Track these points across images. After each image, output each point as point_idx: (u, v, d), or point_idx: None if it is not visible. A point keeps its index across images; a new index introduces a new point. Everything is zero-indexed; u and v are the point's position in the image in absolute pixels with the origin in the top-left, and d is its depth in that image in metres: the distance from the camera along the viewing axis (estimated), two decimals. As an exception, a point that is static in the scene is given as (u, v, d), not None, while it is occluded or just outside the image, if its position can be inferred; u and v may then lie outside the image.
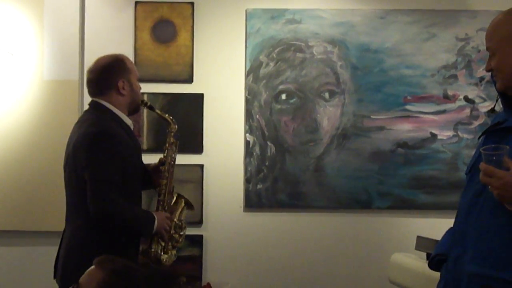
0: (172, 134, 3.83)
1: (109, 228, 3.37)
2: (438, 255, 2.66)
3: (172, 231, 3.66)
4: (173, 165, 3.79)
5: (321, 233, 4.80)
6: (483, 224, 2.41)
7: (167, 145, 3.81)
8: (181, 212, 3.79)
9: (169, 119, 3.83)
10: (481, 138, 2.61)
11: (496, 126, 2.53)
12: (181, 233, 3.75)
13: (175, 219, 3.71)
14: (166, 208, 3.71)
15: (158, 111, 3.85)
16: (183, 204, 3.82)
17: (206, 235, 4.79)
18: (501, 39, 2.46)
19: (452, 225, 2.67)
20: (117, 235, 3.41)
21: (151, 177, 3.78)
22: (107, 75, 3.54)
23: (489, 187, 2.31)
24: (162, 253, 3.61)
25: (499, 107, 2.73)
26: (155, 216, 3.53)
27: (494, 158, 2.29)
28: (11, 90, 4.73)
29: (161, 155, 3.84)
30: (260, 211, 4.80)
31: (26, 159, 4.72)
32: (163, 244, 3.62)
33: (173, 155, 3.80)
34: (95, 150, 3.36)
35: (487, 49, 2.52)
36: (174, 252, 3.69)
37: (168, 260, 3.64)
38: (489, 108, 2.74)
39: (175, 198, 3.81)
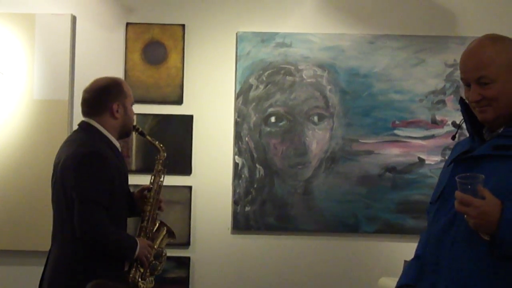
0: (161, 161, 3.85)
1: (92, 248, 3.37)
2: (404, 286, 2.61)
3: (152, 259, 3.64)
4: (158, 192, 3.79)
5: (309, 256, 4.79)
6: (458, 254, 2.37)
7: (154, 172, 3.82)
8: (162, 240, 3.78)
9: (159, 147, 3.85)
10: (450, 166, 2.56)
11: (465, 154, 2.50)
12: (161, 261, 3.72)
13: (155, 247, 3.70)
14: (148, 235, 3.70)
15: (149, 138, 3.86)
16: (164, 232, 3.81)
17: (194, 257, 4.78)
18: (501, 67, 2.42)
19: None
20: (103, 255, 3.41)
21: (136, 203, 3.77)
22: (102, 97, 3.56)
23: (465, 216, 2.29)
24: (140, 279, 3.58)
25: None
26: (138, 242, 3.52)
27: (469, 187, 2.26)
28: (0, 108, 4.73)
29: (149, 176, 3.86)
30: (248, 233, 4.79)
31: (14, 177, 4.70)
32: (142, 270, 3.60)
33: (160, 182, 3.81)
34: (84, 170, 3.36)
35: (481, 78, 2.42)
36: (152, 279, 3.67)
37: (146, 286, 3.62)
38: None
39: (157, 225, 3.79)
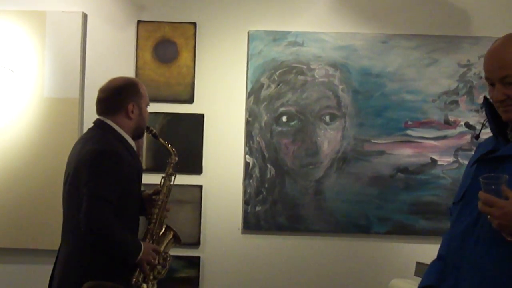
0: (172, 165, 3.82)
1: (95, 245, 3.34)
2: (426, 287, 2.60)
3: (156, 263, 3.60)
4: (167, 196, 3.77)
5: (319, 257, 4.77)
6: (480, 255, 2.36)
7: (165, 175, 3.80)
8: (167, 244, 3.76)
9: (171, 150, 3.84)
10: (473, 166, 2.56)
11: (488, 155, 2.49)
12: (165, 265, 3.69)
13: (160, 251, 3.67)
14: (154, 238, 3.67)
15: (161, 140, 3.84)
16: (171, 236, 3.78)
17: (204, 257, 4.76)
18: None
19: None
20: (114, 254, 3.39)
21: (144, 204, 3.75)
22: (118, 96, 3.55)
23: (489, 216, 2.28)
24: (143, 282, 3.55)
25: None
26: (142, 246, 3.49)
27: (493, 187, 2.26)
28: (11, 106, 4.72)
29: (159, 175, 3.83)
30: (259, 233, 4.77)
31: (24, 176, 4.69)
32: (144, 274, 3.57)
33: (169, 186, 3.78)
34: (97, 167, 3.35)
35: (505, 77, 2.41)
36: (155, 282, 3.64)
37: None
38: (489, 134, 2.69)
39: (164, 229, 3.77)
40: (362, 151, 4.75)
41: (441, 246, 2.66)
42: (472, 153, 4.64)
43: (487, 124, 2.59)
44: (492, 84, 2.46)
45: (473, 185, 2.40)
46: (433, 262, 2.65)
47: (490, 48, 2.50)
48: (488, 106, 2.55)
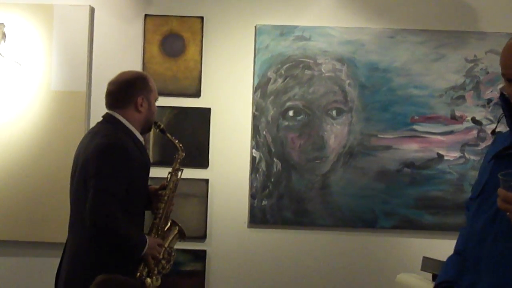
0: (179, 161, 3.82)
1: (100, 239, 3.34)
2: (444, 283, 2.60)
3: (160, 257, 3.60)
4: (174, 191, 3.77)
5: (325, 251, 4.77)
6: (500, 250, 2.36)
7: (171, 170, 3.80)
8: (172, 239, 3.76)
9: (178, 146, 3.83)
10: (490, 162, 2.55)
11: (506, 150, 2.49)
12: (169, 260, 3.69)
13: (165, 246, 3.67)
14: (159, 232, 3.68)
15: (169, 136, 3.84)
16: (176, 231, 3.77)
17: (210, 250, 4.77)
18: None
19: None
20: (119, 248, 3.40)
21: (150, 199, 3.75)
22: (128, 90, 3.55)
23: (508, 213, 2.27)
24: (147, 277, 3.54)
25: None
26: (147, 241, 3.49)
27: None
28: (18, 99, 4.73)
29: (165, 169, 3.83)
30: (265, 227, 4.77)
31: (31, 168, 4.71)
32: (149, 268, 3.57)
33: (176, 181, 3.78)
34: (105, 161, 3.35)
35: None
36: (159, 277, 3.63)
37: (152, 285, 3.58)
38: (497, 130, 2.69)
39: (169, 224, 3.77)
40: (368, 146, 4.76)
41: (458, 242, 2.65)
42: (478, 148, 4.69)
43: (503, 119, 2.58)
44: (508, 80, 2.45)
45: (491, 181, 2.40)
46: (450, 257, 2.64)
47: (506, 44, 2.49)
48: (504, 101, 2.54)
